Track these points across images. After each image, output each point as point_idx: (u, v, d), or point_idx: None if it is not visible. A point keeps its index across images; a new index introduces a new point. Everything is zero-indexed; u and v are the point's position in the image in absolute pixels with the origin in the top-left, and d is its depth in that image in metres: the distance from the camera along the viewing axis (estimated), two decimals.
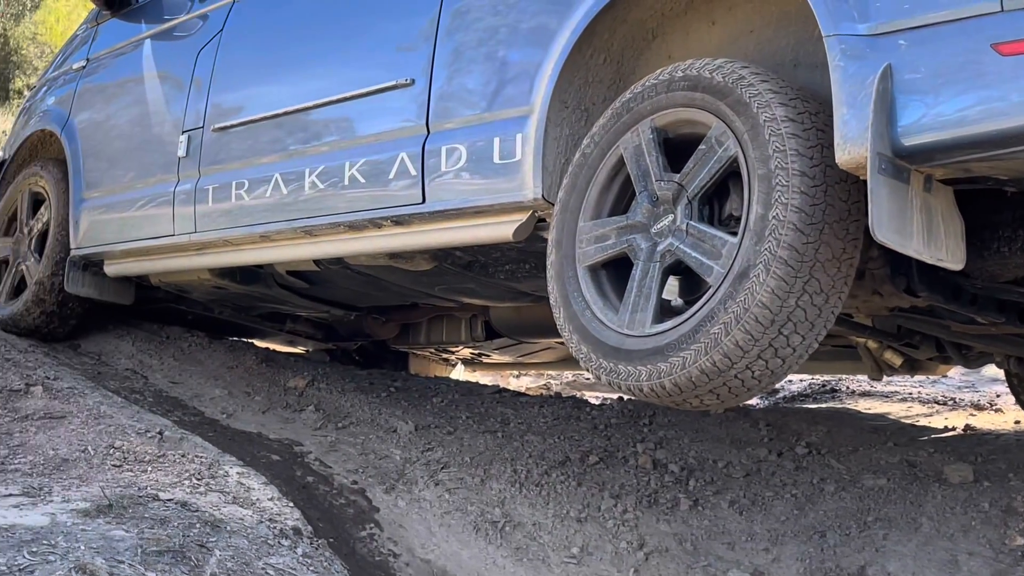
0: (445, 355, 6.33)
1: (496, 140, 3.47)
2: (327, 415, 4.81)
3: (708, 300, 2.79)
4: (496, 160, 3.47)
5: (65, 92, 5.73)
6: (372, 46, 4.02)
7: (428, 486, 4.17)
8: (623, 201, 3.15)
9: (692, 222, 2.91)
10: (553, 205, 3.31)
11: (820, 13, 2.74)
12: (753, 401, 5.43)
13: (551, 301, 3.21)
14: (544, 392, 6.32)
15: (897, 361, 4.05)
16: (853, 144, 2.62)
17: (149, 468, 3.82)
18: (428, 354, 6.33)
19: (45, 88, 6.12)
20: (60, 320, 5.49)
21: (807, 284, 2.70)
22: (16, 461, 3.80)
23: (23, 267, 5.60)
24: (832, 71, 2.69)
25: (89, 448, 3.92)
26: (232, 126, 4.51)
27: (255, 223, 4.30)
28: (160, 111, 4.96)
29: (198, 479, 3.79)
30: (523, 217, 3.44)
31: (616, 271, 3.10)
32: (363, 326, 5.69)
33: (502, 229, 3.49)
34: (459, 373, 6.65)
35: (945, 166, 2.63)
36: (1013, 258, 3.00)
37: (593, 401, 5.28)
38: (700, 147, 2.94)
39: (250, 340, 6.20)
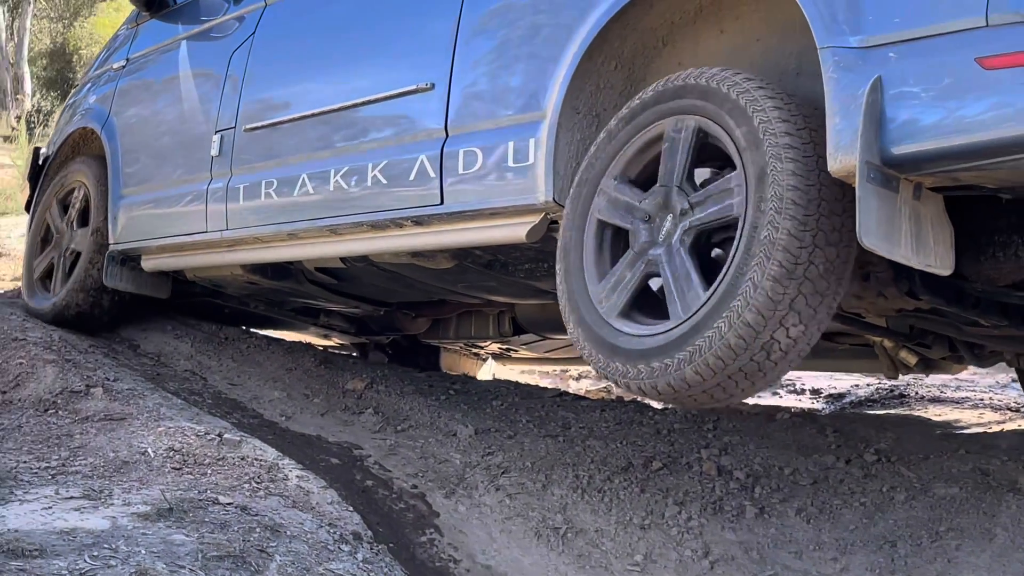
0: (475, 350, 6.45)
1: (511, 144, 3.59)
2: (386, 418, 4.80)
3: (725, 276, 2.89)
4: (510, 163, 3.59)
5: (106, 91, 5.89)
6: (395, 51, 4.15)
7: (489, 491, 4.15)
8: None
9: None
10: (563, 207, 3.43)
11: (815, 26, 2.83)
12: (819, 406, 5.35)
13: (560, 303, 3.35)
14: (604, 395, 6.27)
15: (912, 360, 4.14)
16: (844, 153, 2.71)
17: (209, 471, 3.83)
18: (459, 348, 6.46)
19: (88, 86, 6.28)
20: (100, 311, 5.64)
21: (801, 286, 2.79)
22: (77, 463, 3.83)
23: (71, 249, 5.76)
24: (825, 82, 2.78)
25: (149, 450, 3.94)
26: (262, 127, 4.66)
27: (283, 221, 4.46)
28: (195, 111, 5.13)
29: (258, 483, 3.80)
30: (536, 219, 3.57)
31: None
32: (394, 321, 5.83)
33: (516, 230, 3.63)
34: (489, 368, 6.77)
35: (933, 175, 2.72)
36: (1008, 263, 3.06)
37: (656, 405, 5.23)
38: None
39: (307, 341, 6.22)
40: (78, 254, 5.69)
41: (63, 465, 3.80)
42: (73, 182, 5.91)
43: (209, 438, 4.12)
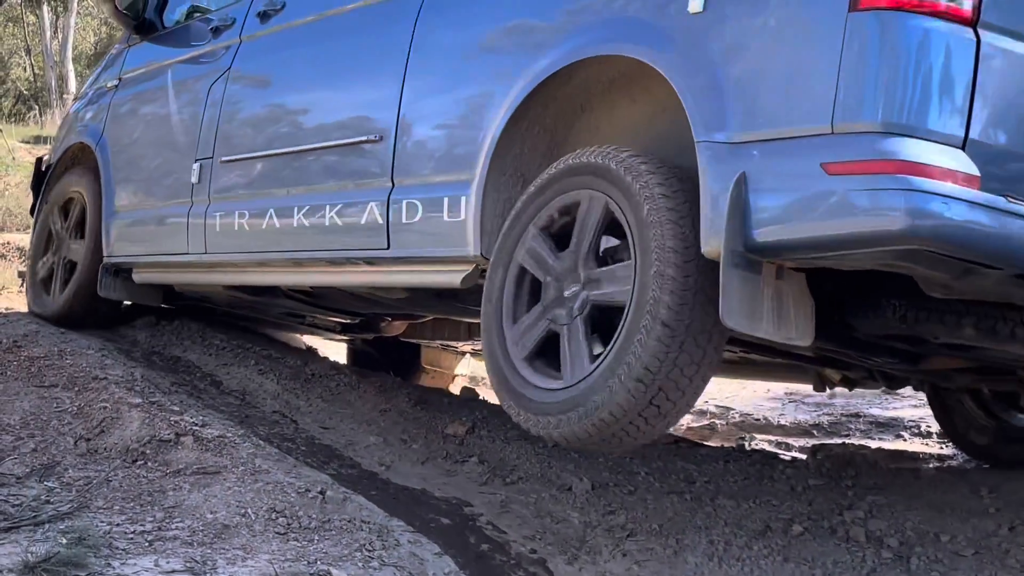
0: (453, 346, 6.80)
1: (445, 200, 3.95)
2: (492, 468, 4.52)
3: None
4: (445, 218, 3.95)
5: (100, 108, 6.27)
6: (351, 101, 4.57)
7: (614, 556, 3.85)
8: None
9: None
10: (489, 259, 3.77)
11: (693, 120, 3.15)
12: (965, 462, 5.01)
13: (483, 344, 3.70)
14: (712, 435, 5.96)
15: (836, 378, 4.59)
16: (714, 238, 3.04)
17: (315, 537, 3.57)
18: (438, 345, 6.83)
19: (86, 100, 6.58)
20: (96, 316, 6.04)
21: (678, 359, 3.13)
22: (173, 526, 3.58)
23: (68, 259, 6.16)
24: (700, 173, 3.10)
25: (249, 511, 3.68)
26: (236, 160, 5.07)
27: (254, 251, 4.93)
28: (178, 137, 5.53)
29: (369, 550, 3.53)
30: (469, 268, 3.93)
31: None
32: (371, 325, 6.31)
33: (452, 277, 4.00)
34: (467, 362, 7.21)
35: (791, 260, 3.06)
36: (880, 320, 3.48)
37: (784, 456, 4.91)
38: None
39: (398, 378, 5.98)
40: (75, 263, 6.05)
41: (159, 529, 3.55)
42: (71, 192, 6.26)
43: (311, 496, 3.86)
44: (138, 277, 5.79)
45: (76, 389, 4.74)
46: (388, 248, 4.18)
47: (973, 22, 2.89)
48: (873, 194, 2.80)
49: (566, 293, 3.44)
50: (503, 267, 3.68)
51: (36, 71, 29.99)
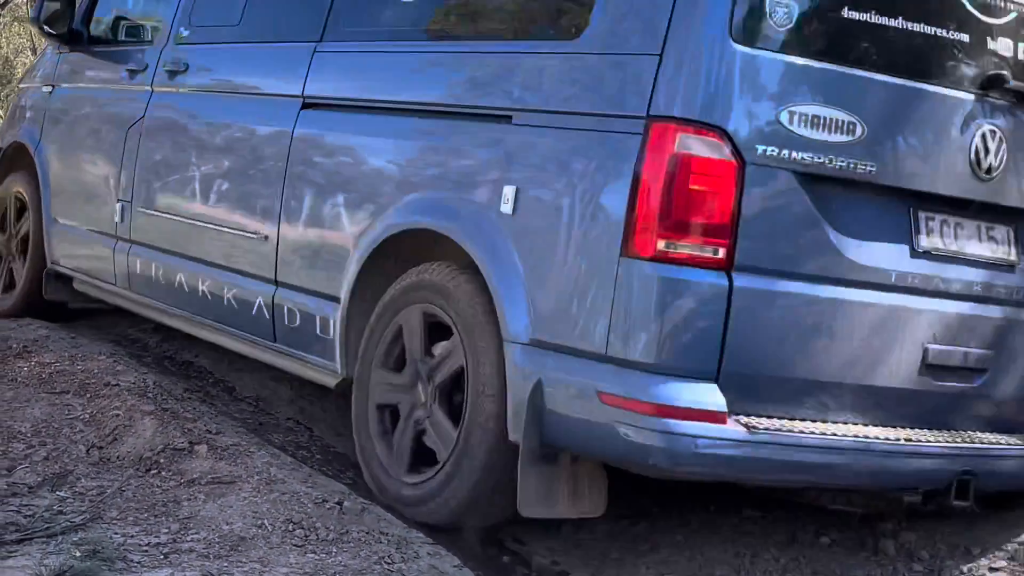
0: None
1: (318, 317, 4.34)
2: None
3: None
4: (318, 332, 4.35)
5: (38, 111, 6.47)
6: (243, 191, 4.84)
7: (638, 569, 3.79)
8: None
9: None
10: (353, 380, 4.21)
11: (501, 318, 3.60)
12: None
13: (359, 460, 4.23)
14: None
15: None
16: (516, 431, 3.50)
17: (334, 549, 3.51)
18: None
19: (27, 95, 6.76)
20: (46, 311, 6.28)
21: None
22: (189, 538, 3.53)
23: (12, 267, 6.49)
24: (507, 368, 3.56)
25: (266, 522, 3.63)
26: (150, 213, 5.39)
27: (169, 304, 5.33)
28: (103, 171, 5.79)
29: (388, 563, 3.47)
30: (339, 379, 4.34)
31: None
32: None
33: (326, 380, 4.44)
34: None
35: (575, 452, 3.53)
36: None
37: None
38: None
39: None
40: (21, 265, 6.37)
41: (174, 541, 3.49)
42: (16, 192, 6.51)
43: (328, 506, 3.80)
44: (79, 287, 6.09)
45: (88, 396, 4.69)
46: (275, 341, 4.62)
47: (727, 267, 3.28)
48: (635, 430, 3.24)
49: (419, 393, 3.93)
50: (363, 400, 4.15)
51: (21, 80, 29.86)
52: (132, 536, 3.51)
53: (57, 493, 3.86)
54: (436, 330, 3.98)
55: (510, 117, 3.74)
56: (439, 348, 3.95)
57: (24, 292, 6.32)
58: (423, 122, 4.11)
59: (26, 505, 3.73)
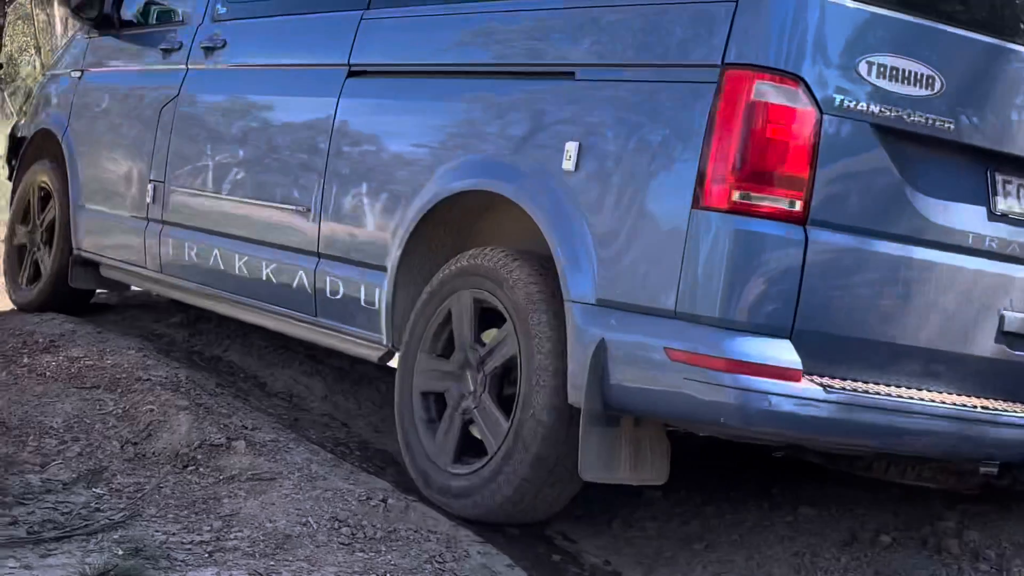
0: None
1: (363, 287, 4.27)
2: None
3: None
4: (363, 303, 4.28)
5: (66, 97, 6.42)
6: (282, 164, 4.76)
7: (693, 569, 3.68)
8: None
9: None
10: (399, 350, 4.14)
11: (562, 277, 3.52)
12: None
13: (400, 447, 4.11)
14: None
15: None
16: (577, 394, 3.41)
17: (383, 548, 3.41)
18: None
19: (54, 82, 6.72)
20: (73, 302, 6.28)
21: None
22: (232, 536, 3.42)
23: (37, 257, 6.42)
24: (568, 330, 3.47)
25: (311, 520, 3.52)
26: (185, 192, 5.30)
27: (203, 283, 5.23)
28: (135, 152, 5.71)
29: (439, 562, 3.37)
30: (383, 351, 4.28)
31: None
32: None
33: (371, 353, 4.38)
34: None
35: (640, 416, 3.44)
36: None
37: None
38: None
39: None
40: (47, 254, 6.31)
41: (218, 539, 3.39)
42: (41, 181, 6.44)
43: (372, 504, 3.70)
44: (106, 273, 6.04)
45: (119, 391, 4.59)
46: (316, 316, 4.54)
47: (803, 221, 3.19)
48: (706, 387, 3.15)
49: (468, 385, 3.85)
50: (407, 387, 4.07)
51: (45, 69, 29.90)
52: (174, 534, 3.41)
53: (93, 490, 3.77)
54: (487, 316, 3.90)
55: (572, 72, 3.67)
56: (490, 335, 3.85)
57: (50, 282, 6.24)
58: (478, 83, 4.04)
59: (62, 502, 3.63)
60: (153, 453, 4.08)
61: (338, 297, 4.41)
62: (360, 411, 4.99)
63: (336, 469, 4.02)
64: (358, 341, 4.39)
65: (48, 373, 4.83)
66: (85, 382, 4.70)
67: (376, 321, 4.23)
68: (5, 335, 5.47)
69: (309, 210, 4.54)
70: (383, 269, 4.20)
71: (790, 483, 4.24)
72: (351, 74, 4.55)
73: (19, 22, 31.75)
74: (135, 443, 4.15)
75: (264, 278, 4.78)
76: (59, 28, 25.90)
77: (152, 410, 4.32)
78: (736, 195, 3.15)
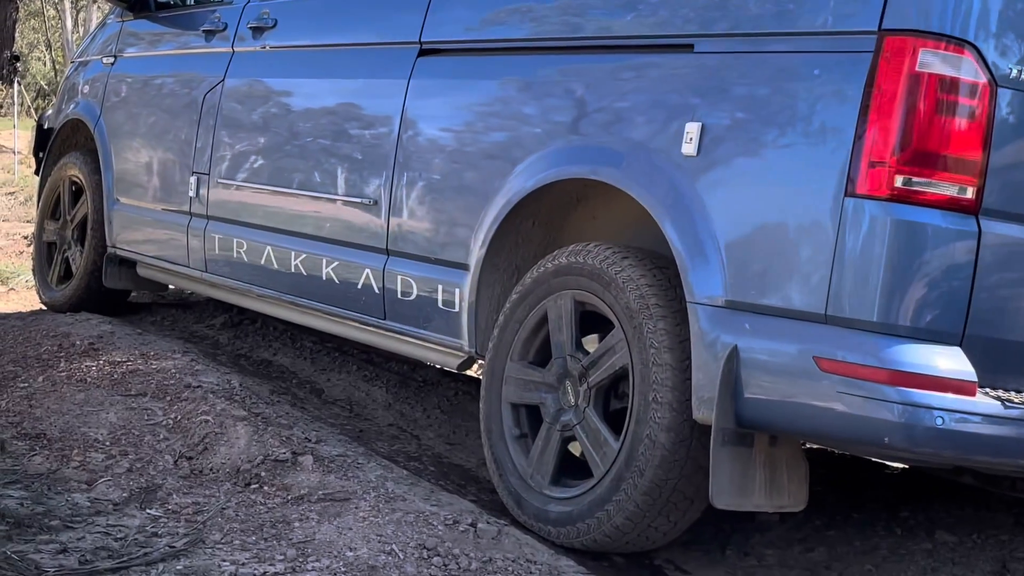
0: None
1: (440, 286, 3.95)
2: None
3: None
4: (440, 305, 3.96)
5: (97, 84, 6.10)
6: (344, 154, 4.39)
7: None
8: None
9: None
10: (483, 358, 3.79)
11: (684, 278, 3.16)
12: None
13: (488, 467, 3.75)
14: None
15: None
16: (705, 409, 3.07)
17: None
18: None
19: (84, 69, 6.42)
20: (105, 303, 5.98)
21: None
22: (309, 566, 3.08)
23: (68, 255, 6.14)
24: (692, 334, 3.12)
25: (395, 548, 3.18)
26: (232, 185, 4.96)
27: (253, 283, 4.88)
28: (174, 142, 5.39)
29: None
30: (464, 357, 3.96)
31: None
32: None
33: (448, 360, 4.06)
34: None
35: (779, 434, 3.10)
36: None
37: None
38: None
39: None
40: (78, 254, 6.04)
41: (293, 570, 3.05)
42: (72, 175, 6.17)
43: (461, 529, 3.35)
44: (143, 272, 5.76)
45: (168, 399, 4.26)
46: (384, 318, 4.19)
47: (975, 210, 2.84)
48: (864, 402, 2.79)
49: (568, 393, 3.50)
50: (496, 397, 3.72)
51: (56, 65, 29.78)
52: (243, 564, 3.07)
53: (148, 511, 3.43)
54: (587, 318, 3.56)
55: (691, 45, 3.32)
56: (594, 343, 3.51)
57: (82, 281, 5.96)
58: (577, 59, 3.68)
59: (115, 526, 3.30)
60: (211, 469, 3.74)
61: (411, 298, 4.08)
62: (428, 421, 4.65)
63: (414, 488, 3.67)
64: (434, 347, 4.07)
65: (89, 379, 4.50)
66: (130, 389, 4.37)
67: (456, 324, 3.90)
68: (39, 336, 5.15)
69: (376, 203, 4.20)
70: (464, 267, 3.87)
71: (920, 503, 3.88)
72: (423, 52, 4.20)
73: (29, 18, 31.58)
74: (190, 458, 3.82)
75: (324, 277, 4.43)
76: (69, 24, 25.70)
77: (207, 421, 3.99)
78: (898, 181, 2.81)
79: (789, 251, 2.96)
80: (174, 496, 3.53)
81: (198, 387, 4.34)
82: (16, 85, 18.49)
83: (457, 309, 3.88)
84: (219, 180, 5.04)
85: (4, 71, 20.83)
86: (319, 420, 4.38)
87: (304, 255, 4.53)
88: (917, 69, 2.80)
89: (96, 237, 5.88)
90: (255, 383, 4.67)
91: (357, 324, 4.39)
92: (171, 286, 6.11)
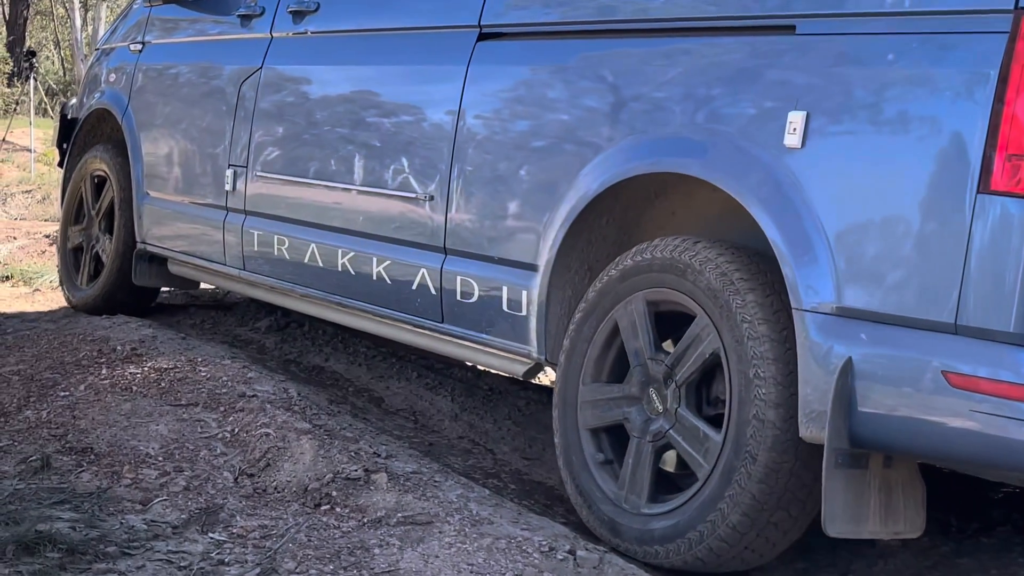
0: None
1: (505, 288, 3.70)
2: None
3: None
4: (504, 308, 3.71)
5: (124, 72, 5.89)
6: (397, 146, 4.15)
7: None
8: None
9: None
10: (554, 365, 3.58)
11: (790, 284, 2.92)
12: None
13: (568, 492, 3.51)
14: None
15: None
16: (814, 426, 2.84)
17: None
18: None
19: (109, 57, 6.20)
20: (135, 302, 5.80)
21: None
22: None
23: (98, 250, 5.93)
24: (799, 344, 2.89)
25: None
26: (273, 178, 4.73)
27: (295, 282, 4.63)
28: (208, 133, 5.15)
29: None
30: (531, 363, 3.74)
31: None
32: None
33: (514, 367, 3.81)
34: None
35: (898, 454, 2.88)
36: None
37: None
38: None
39: None
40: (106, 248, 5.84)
41: None
42: (96, 170, 5.97)
43: (559, 557, 3.06)
44: (174, 269, 5.58)
45: (222, 409, 3.98)
46: (442, 321, 3.96)
47: None
48: (1001, 422, 2.58)
49: (655, 404, 3.28)
50: (572, 425, 3.49)
51: (65, 64, 29.67)
52: None
53: (211, 535, 3.15)
54: (663, 324, 3.33)
55: (792, 26, 3.07)
56: (680, 338, 3.26)
57: (111, 279, 5.75)
58: (660, 43, 3.43)
59: (176, 552, 3.02)
60: (275, 488, 3.46)
61: (472, 300, 3.83)
62: (501, 433, 4.36)
63: (500, 509, 3.38)
64: (498, 352, 3.83)
65: (134, 387, 4.22)
66: (180, 399, 4.10)
67: (523, 329, 3.67)
68: (76, 341, 4.88)
69: (432, 198, 3.96)
70: (532, 268, 3.64)
71: None
72: (483, 36, 3.94)
73: (38, 16, 31.43)
74: (251, 475, 3.54)
75: (374, 277, 4.19)
76: (78, 22, 25.53)
77: (268, 434, 3.71)
78: None
79: (912, 254, 2.74)
80: (238, 518, 3.25)
81: (253, 396, 4.06)
82: (32, 81, 18.31)
83: (524, 312, 3.66)
84: (258, 173, 4.80)
85: (20, 67, 20.65)
86: (384, 432, 4.10)
87: (352, 253, 4.30)
88: None
89: (125, 232, 5.66)
90: (311, 391, 4.39)
91: (411, 327, 4.15)
92: (204, 284, 5.85)
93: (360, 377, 4.90)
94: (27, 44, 27.17)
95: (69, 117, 6.38)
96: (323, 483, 3.43)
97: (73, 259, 6.12)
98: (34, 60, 18.77)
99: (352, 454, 3.60)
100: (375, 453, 3.67)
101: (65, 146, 6.36)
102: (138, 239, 5.59)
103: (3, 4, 30.60)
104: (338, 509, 3.31)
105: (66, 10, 27.04)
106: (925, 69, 2.77)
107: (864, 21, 2.92)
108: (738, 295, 3.04)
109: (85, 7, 26.70)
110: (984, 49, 2.66)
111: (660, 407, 3.26)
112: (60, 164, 6.50)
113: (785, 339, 2.96)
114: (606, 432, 3.44)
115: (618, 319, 3.37)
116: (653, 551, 3.18)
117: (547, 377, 4.76)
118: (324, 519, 3.26)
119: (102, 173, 5.91)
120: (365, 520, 3.24)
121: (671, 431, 3.22)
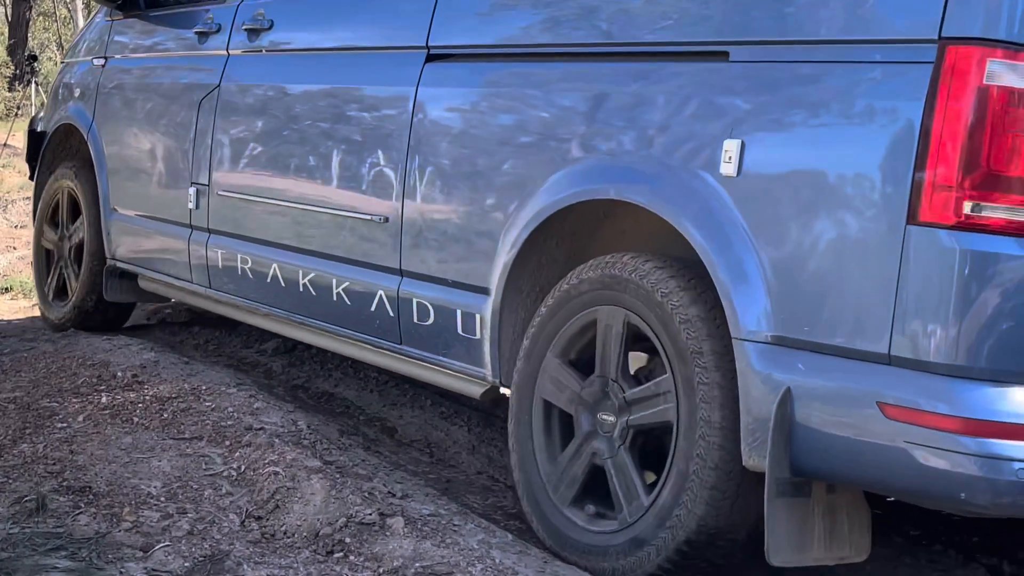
0: None
1: (459, 312, 3.72)
2: None
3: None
4: (460, 332, 3.74)
5: (89, 88, 5.84)
6: (352, 167, 4.13)
7: None
8: None
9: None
10: (508, 387, 3.61)
11: (729, 313, 2.91)
12: None
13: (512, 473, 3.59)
14: None
15: None
16: (756, 457, 2.86)
17: None
18: None
19: (73, 72, 6.16)
20: (108, 318, 5.79)
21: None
22: None
23: (65, 273, 5.93)
24: (739, 373, 2.89)
25: None
26: (234, 197, 4.71)
27: (259, 301, 4.65)
28: (171, 150, 5.14)
29: None
30: (487, 386, 3.73)
31: None
32: None
33: (471, 389, 3.80)
34: None
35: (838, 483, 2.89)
36: None
37: None
38: None
39: None
40: (75, 270, 5.82)
41: None
42: (65, 186, 5.93)
43: None
44: (144, 285, 5.53)
45: (228, 443, 3.81)
46: (400, 343, 3.97)
47: None
48: (936, 453, 2.60)
49: (604, 420, 3.27)
50: (527, 394, 3.51)
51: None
52: None
53: None
54: (637, 341, 3.32)
55: (726, 53, 3.06)
56: (643, 381, 3.27)
57: (84, 295, 5.72)
58: (601, 68, 3.43)
59: None
60: (284, 532, 3.28)
61: (428, 323, 3.85)
62: None
63: (524, 557, 3.20)
64: (455, 374, 3.84)
65: (135, 418, 4.05)
66: (183, 431, 3.92)
67: (477, 352, 3.69)
68: (75, 365, 4.71)
69: (387, 220, 3.95)
70: (484, 291, 3.65)
71: (1003, 549, 3.39)
72: (430, 58, 3.90)
73: (40, 17, 31.33)
74: (258, 517, 3.36)
75: (335, 297, 4.19)
76: (81, 23, 25.44)
77: (276, 473, 3.53)
78: (967, 206, 2.58)
79: (847, 285, 2.74)
80: (245, 567, 3.08)
81: (260, 430, 3.89)
82: (33, 85, 18.19)
83: (478, 336, 3.67)
84: (219, 192, 4.77)
85: (22, 71, 20.53)
86: (399, 468, 3.92)
87: (313, 273, 4.30)
88: (984, 82, 2.56)
89: (95, 248, 5.63)
90: (321, 422, 4.21)
91: (373, 348, 4.15)
92: (174, 300, 5.81)
93: (372, 404, 4.72)
94: (29, 46, 27.06)
95: (39, 130, 6.30)
96: (335, 528, 3.25)
97: (47, 276, 6.07)
98: (35, 64, 18.67)
99: (366, 494, 3.42)
100: (390, 492, 3.49)
101: (35, 161, 6.27)
102: (108, 255, 5.57)
103: (5, 5, 30.51)
104: (352, 557, 3.13)
105: (69, 11, 26.98)
106: (856, 98, 2.76)
107: (796, 49, 2.92)
108: (700, 357, 3.03)
109: (88, 8, 26.61)
110: (912, 78, 2.66)
111: (605, 429, 3.27)
112: (31, 178, 6.44)
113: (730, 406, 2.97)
114: (558, 412, 3.46)
115: (597, 321, 3.34)
116: (575, 557, 3.29)
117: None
118: (337, 568, 3.08)
119: (73, 192, 5.85)
120: (381, 570, 3.06)
121: (609, 461, 3.25)
